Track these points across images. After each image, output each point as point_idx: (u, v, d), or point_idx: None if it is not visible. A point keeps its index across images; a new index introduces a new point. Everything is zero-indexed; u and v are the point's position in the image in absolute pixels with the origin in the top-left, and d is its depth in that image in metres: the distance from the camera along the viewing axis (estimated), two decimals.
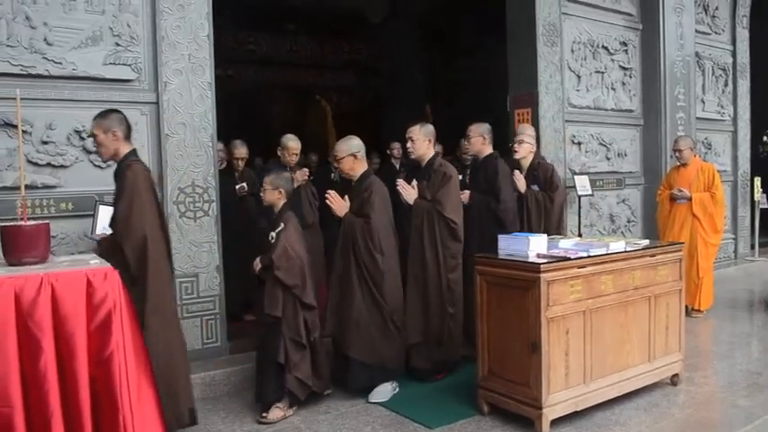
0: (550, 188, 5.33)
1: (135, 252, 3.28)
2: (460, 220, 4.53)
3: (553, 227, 5.20)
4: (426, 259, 4.49)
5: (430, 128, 4.72)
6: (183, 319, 4.69)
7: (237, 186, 6.08)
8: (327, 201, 4.37)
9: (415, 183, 4.65)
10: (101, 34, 4.47)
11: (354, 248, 4.23)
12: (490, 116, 7.10)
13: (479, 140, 5.13)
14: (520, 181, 5.29)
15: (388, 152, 8.47)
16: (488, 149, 5.16)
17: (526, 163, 5.45)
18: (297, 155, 5.72)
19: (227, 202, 5.49)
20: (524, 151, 5.44)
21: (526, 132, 5.52)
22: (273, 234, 4.12)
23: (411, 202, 4.58)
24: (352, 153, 4.38)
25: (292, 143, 5.63)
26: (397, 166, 8.31)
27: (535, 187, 5.33)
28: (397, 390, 4.40)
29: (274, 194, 4.23)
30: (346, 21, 13.29)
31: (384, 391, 4.32)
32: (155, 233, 3.40)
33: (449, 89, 14.13)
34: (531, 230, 5.07)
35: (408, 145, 4.72)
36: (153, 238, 3.35)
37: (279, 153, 5.70)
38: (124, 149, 3.60)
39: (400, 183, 4.66)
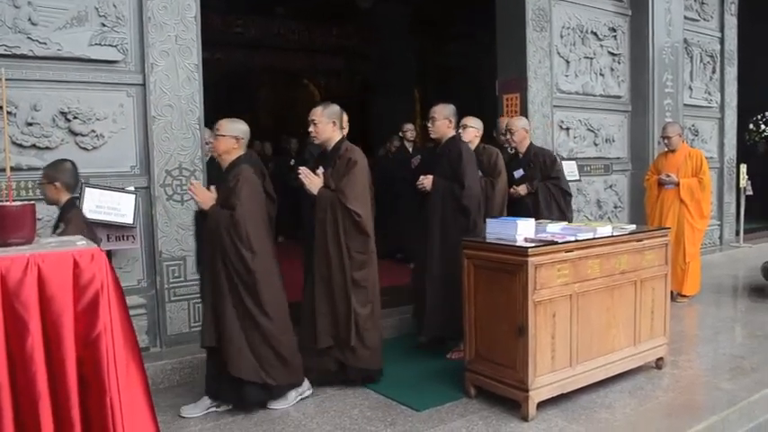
0: (493, 174, 5.20)
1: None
2: (366, 212, 4.14)
3: (495, 213, 5.04)
4: (330, 255, 4.10)
5: (335, 109, 4.29)
6: (170, 303, 4.70)
7: None
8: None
9: (320, 171, 4.22)
10: (86, 14, 4.42)
11: (221, 246, 3.74)
12: (480, 102, 7.11)
13: (445, 123, 4.85)
14: None
15: (401, 134, 8.41)
16: (452, 132, 4.91)
17: (472, 147, 5.17)
18: None
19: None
20: (469, 136, 5.24)
21: (469, 119, 5.37)
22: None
23: (315, 192, 4.13)
24: (234, 135, 3.95)
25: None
26: (410, 149, 8.27)
27: (479, 173, 5.10)
28: (307, 393, 4.08)
29: (50, 189, 3.76)
30: (335, 5, 13.21)
31: (285, 400, 3.98)
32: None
33: (439, 75, 14.12)
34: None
35: (310, 128, 4.26)
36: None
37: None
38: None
39: (303, 170, 4.19)
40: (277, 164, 10.44)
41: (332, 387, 4.24)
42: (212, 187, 3.96)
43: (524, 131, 5.54)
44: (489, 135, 6.91)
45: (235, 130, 3.97)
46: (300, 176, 4.18)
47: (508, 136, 5.55)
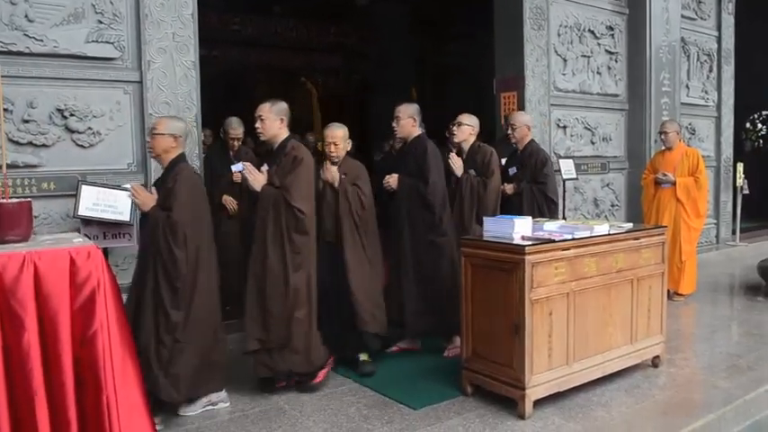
0: (486, 173, 5.04)
1: None
2: (309, 210, 4.00)
3: (488, 214, 4.84)
4: (269, 255, 3.92)
5: (282, 106, 4.18)
6: None
7: (235, 170, 5.85)
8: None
9: (264, 168, 4.13)
10: (83, 11, 4.41)
11: (157, 247, 3.60)
12: (478, 101, 7.11)
13: (409, 122, 4.78)
14: (456, 163, 5.05)
15: None
16: (417, 131, 4.82)
17: (467, 146, 5.16)
18: (239, 139, 5.76)
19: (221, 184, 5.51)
20: (463, 134, 5.14)
21: (464, 116, 5.24)
22: None
23: (258, 188, 4.00)
24: (172, 134, 3.80)
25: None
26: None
27: (472, 172, 5.06)
28: (221, 405, 3.92)
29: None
30: (334, 3, 13.19)
31: (193, 407, 3.85)
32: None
33: (437, 74, 14.10)
34: (462, 217, 4.95)
35: (257, 125, 4.13)
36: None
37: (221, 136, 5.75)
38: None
39: (246, 166, 4.10)
40: None
41: (328, 385, 4.24)
42: (153, 188, 3.89)
43: (526, 128, 5.49)
44: (491, 132, 6.95)
45: (173, 129, 3.84)
46: (243, 172, 4.11)
47: (510, 131, 5.51)
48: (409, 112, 4.80)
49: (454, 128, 5.18)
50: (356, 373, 4.42)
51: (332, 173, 4.41)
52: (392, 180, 4.72)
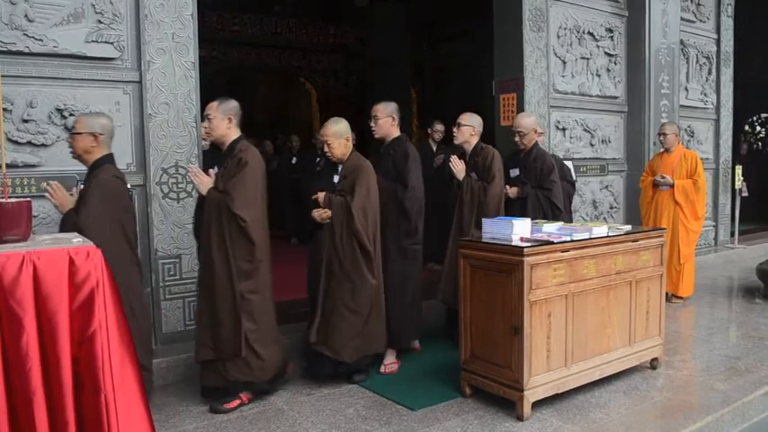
0: (487, 177, 4.88)
1: None
2: (254, 217, 3.78)
3: None
4: (215, 261, 3.78)
5: (231, 104, 3.96)
6: (165, 301, 4.69)
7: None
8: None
9: (212, 170, 3.96)
10: (83, 11, 4.41)
11: None
12: (477, 102, 7.11)
13: (388, 122, 4.60)
14: (458, 167, 4.93)
15: (429, 131, 8.35)
16: (396, 131, 4.65)
17: (469, 147, 5.04)
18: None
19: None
20: (463, 136, 5.00)
21: (465, 116, 5.09)
22: None
23: (204, 192, 3.84)
24: (91, 132, 3.62)
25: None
26: (434, 148, 8.21)
27: (474, 175, 4.94)
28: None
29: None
30: (332, 4, 13.21)
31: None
32: None
33: (436, 74, 14.13)
34: (461, 223, 4.84)
35: (205, 124, 3.97)
36: None
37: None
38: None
39: (191, 169, 3.94)
40: (279, 162, 10.45)
41: (327, 386, 4.24)
42: (74, 189, 3.80)
43: (534, 132, 5.25)
44: (491, 133, 6.95)
45: (93, 126, 3.63)
46: (189, 174, 3.98)
47: (517, 138, 5.25)
48: (388, 111, 4.62)
49: (454, 129, 5.05)
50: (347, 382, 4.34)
51: (318, 197, 4.26)
52: None
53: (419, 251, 4.63)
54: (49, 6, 4.29)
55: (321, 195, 4.25)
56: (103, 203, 3.50)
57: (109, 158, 3.71)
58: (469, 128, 5.01)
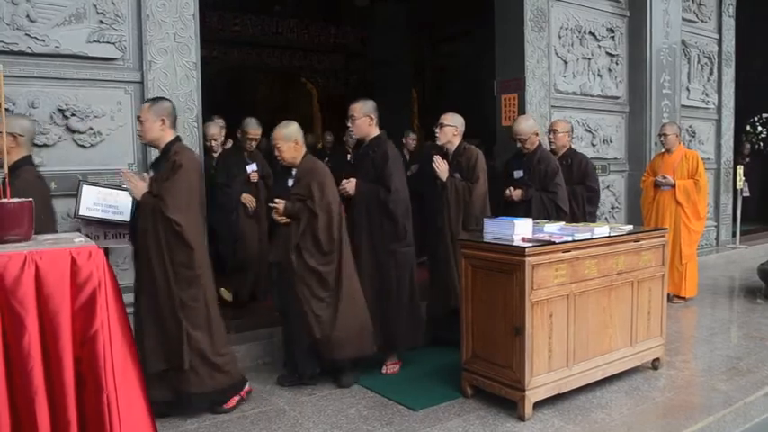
0: (471, 178, 4.79)
1: None
2: (189, 221, 3.60)
3: (474, 222, 4.72)
4: (155, 271, 3.60)
5: (164, 105, 3.77)
6: None
7: (250, 170, 5.84)
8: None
9: (146, 174, 3.81)
10: (84, 11, 4.41)
11: None
12: (478, 102, 7.11)
13: (366, 121, 4.40)
14: (441, 167, 4.81)
15: (403, 140, 8.38)
16: (375, 131, 4.45)
17: (452, 148, 4.93)
18: (256, 140, 5.77)
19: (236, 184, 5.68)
20: (446, 136, 4.90)
21: (447, 117, 4.97)
22: None
23: (138, 197, 3.66)
24: (10, 132, 3.50)
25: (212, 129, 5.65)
26: (408, 157, 8.23)
27: (458, 176, 4.85)
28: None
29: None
30: (333, 4, 13.21)
31: None
32: None
33: (437, 74, 14.13)
34: (449, 225, 4.76)
35: (138, 127, 3.82)
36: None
37: (238, 136, 5.79)
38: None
39: (125, 174, 3.76)
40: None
41: (328, 386, 4.24)
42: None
43: (535, 136, 5.18)
44: (492, 133, 6.97)
45: (13, 127, 3.54)
46: (124, 180, 3.78)
47: (519, 144, 5.20)
48: (365, 110, 4.42)
49: (437, 130, 4.96)
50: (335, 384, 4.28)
51: (277, 207, 4.13)
52: (349, 186, 4.36)
53: (410, 253, 4.47)
54: (51, 7, 4.30)
55: (279, 204, 4.12)
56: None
57: (26, 161, 3.69)
58: (452, 128, 4.91)
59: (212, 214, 5.19)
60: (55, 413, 2.41)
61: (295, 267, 4.06)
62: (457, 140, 4.94)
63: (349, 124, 4.51)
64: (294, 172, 4.24)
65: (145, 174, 3.88)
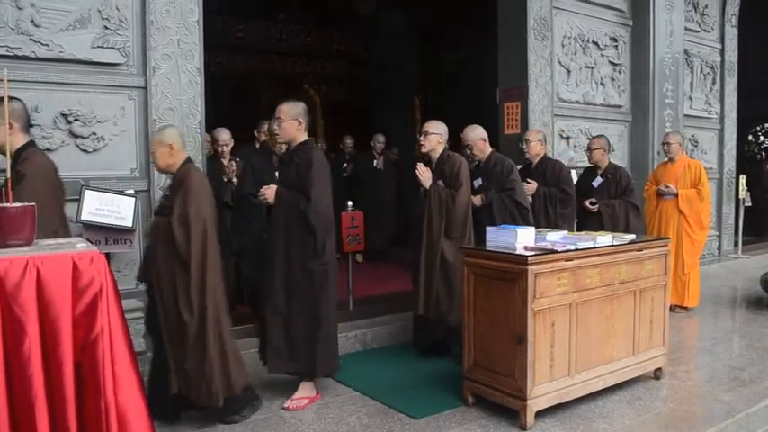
0: (454, 185, 4.75)
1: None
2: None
3: (457, 230, 4.70)
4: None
5: (13, 106, 3.39)
6: None
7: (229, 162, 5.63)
8: None
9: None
10: (89, 17, 4.42)
11: None
12: (480, 110, 7.10)
13: (293, 125, 4.10)
14: (424, 174, 4.80)
15: (372, 144, 8.53)
16: (303, 136, 4.16)
17: (435, 155, 4.90)
18: (227, 146, 5.68)
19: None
20: (430, 144, 4.85)
21: (431, 124, 4.94)
22: None
23: None
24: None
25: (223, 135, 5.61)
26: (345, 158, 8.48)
27: (441, 183, 4.83)
28: None
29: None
30: (337, 11, 13.23)
31: None
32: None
33: (439, 82, 14.13)
34: (431, 232, 4.71)
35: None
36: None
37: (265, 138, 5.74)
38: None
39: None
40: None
41: (329, 394, 4.22)
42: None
43: (482, 142, 5.27)
44: (494, 143, 6.94)
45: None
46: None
47: (468, 152, 5.34)
48: (293, 113, 4.12)
49: (421, 138, 4.92)
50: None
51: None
52: (268, 192, 4.04)
53: (327, 272, 4.03)
54: (56, 12, 4.31)
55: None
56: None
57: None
58: (436, 136, 4.88)
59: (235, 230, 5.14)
60: (54, 419, 2.40)
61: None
62: (440, 148, 4.92)
63: (275, 126, 4.33)
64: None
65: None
